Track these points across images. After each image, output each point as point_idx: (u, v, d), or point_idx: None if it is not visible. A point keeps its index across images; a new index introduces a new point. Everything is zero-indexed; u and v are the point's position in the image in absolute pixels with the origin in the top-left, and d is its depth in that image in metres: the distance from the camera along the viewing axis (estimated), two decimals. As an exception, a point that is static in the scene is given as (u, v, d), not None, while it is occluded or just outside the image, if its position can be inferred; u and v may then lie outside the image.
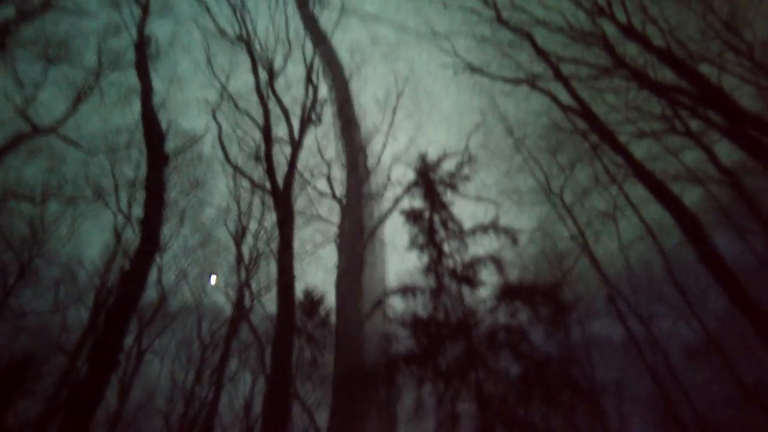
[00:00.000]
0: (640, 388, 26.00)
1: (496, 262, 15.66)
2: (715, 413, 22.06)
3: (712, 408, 22.13)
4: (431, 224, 16.75)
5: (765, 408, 19.55)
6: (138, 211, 24.16)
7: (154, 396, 25.84)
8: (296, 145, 22.05)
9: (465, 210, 18.27)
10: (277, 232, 20.65)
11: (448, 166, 18.26)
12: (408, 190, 19.08)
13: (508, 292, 15.09)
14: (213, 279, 27.22)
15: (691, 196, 23.63)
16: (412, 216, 17.17)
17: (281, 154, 23.75)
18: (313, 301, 23.14)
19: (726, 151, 21.96)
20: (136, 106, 22.00)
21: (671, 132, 22.67)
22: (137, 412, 25.10)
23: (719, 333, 21.51)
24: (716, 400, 22.75)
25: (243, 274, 25.96)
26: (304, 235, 27.13)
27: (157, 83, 22.01)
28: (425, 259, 16.60)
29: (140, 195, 24.29)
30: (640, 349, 21.70)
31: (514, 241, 16.50)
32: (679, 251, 23.04)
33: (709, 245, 15.19)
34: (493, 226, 16.62)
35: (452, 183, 17.62)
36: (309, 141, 24.95)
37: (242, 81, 25.84)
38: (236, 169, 25.35)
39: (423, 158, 18.16)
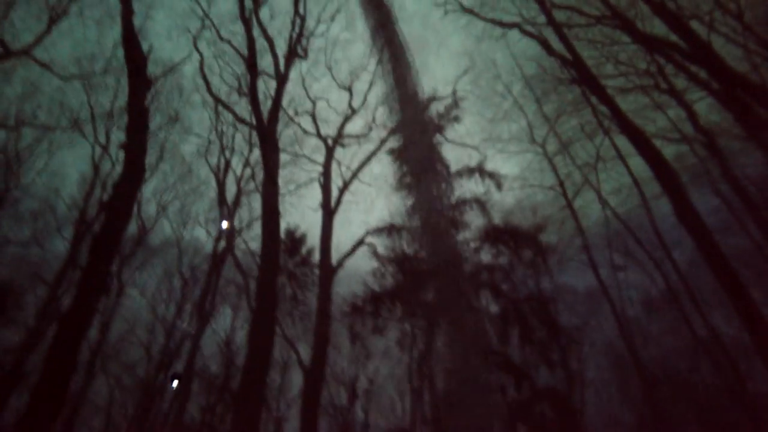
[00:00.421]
0: (597, 336, 27.57)
1: (481, 204, 16.05)
2: (666, 361, 23.68)
3: (665, 356, 23.73)
4: (419, 164, 16.85)
5: (714, 358, 20.93)
6: (116, 141, 23.47)
7: (135, 328, 26.04)
8: (282, 78, 21.34)
9: (450, 156, 18.32)
10: (260, 169, 20.30)
11: (436, 107, 18.24)
12: (395, 131, 18.98)
13: (492, 234, 15.57)
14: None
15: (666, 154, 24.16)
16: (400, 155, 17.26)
17: (265, 88, 22.98)
18: (294, 240, 23.27)
19: (703, 111, 22.50)
20: (114, 31, 20.94)
21: (654, 89, 22.94)
22: (118, 342, 25.32)
23: (678, 287, 22.57)
24: (669, 349, 24.34)
25: (225, 210, 25.73)
26: (285, 174, 26.69)
27: (135, 6, 20.82)
28: (411, 200, 16.86)
29: (118, 124, 23.55)
30: (609, 297, 22.68)
31: (499, 185, 16.85)
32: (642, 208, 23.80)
33: (687, 200, 15.72)
34: (479, 170, 16.91)
35: (440, 124, 17.66)
36: (294, 75, 24.08)
37: (225, 9, 24.67)
38: (218, 101, 24.29)
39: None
